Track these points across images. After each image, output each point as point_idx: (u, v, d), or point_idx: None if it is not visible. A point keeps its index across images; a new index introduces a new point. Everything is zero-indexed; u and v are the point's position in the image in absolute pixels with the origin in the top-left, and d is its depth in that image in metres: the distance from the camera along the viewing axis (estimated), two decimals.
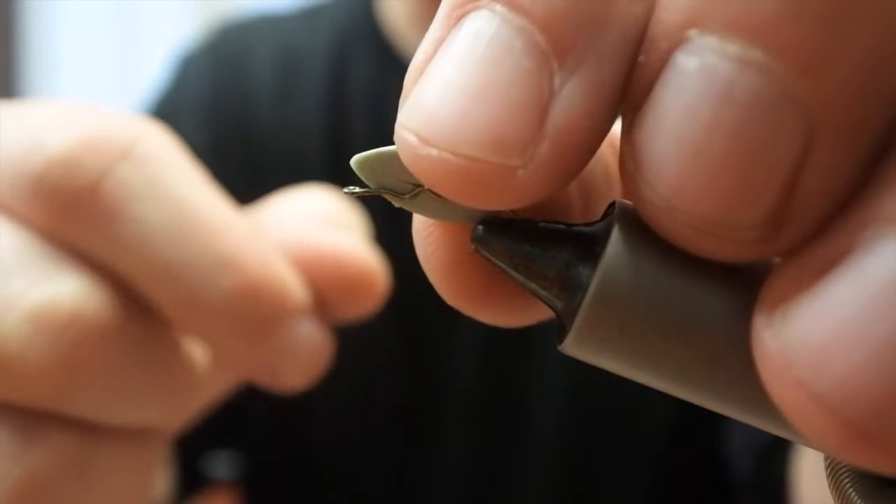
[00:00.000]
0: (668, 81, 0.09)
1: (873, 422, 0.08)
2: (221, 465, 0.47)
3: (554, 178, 0.10)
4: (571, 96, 0.10)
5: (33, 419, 0.19)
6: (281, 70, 0.49)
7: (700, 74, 0.09)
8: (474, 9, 0.10)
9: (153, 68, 0.64)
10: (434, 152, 0.10)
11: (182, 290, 0.19)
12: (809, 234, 0.09)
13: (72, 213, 0.18)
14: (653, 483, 0.45)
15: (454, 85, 0.10)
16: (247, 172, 0.47)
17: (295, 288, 0.21)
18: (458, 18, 0.10)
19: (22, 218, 0.19)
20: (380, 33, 0.49)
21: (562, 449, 0.45)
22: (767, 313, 0.09)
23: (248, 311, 0.19)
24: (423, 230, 0.13)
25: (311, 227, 0.23)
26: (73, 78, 1.41)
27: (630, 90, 0.10)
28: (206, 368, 0.22)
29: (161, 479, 0.29)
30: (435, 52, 0.11)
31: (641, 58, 0.10)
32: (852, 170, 0.09)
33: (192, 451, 0.43)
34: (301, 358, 0.21)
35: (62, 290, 0.18)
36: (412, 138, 0.10)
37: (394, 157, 0.11)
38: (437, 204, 0.12)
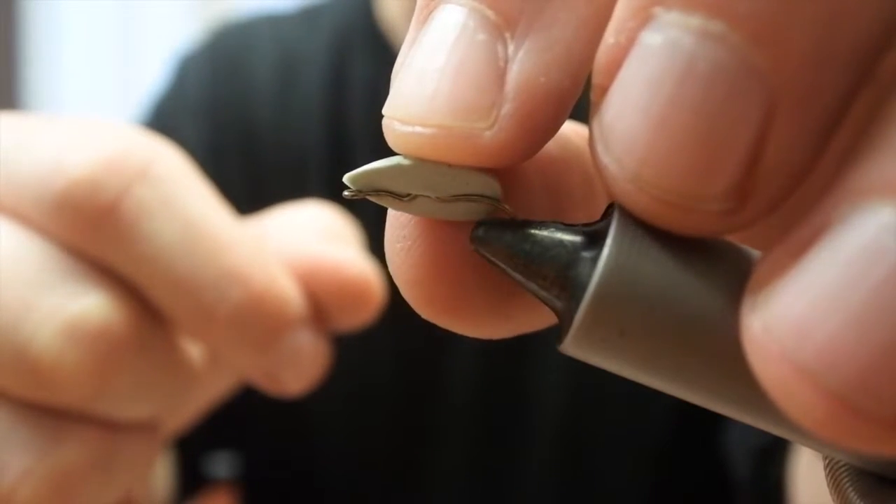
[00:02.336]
0: (634, 58, 0.10)
1: (858, 390, 0.08)
2: (221, 465, 0.47)
3: (522, 137, 0.11)
4: (525, 58, 0.11)
5: (61, 418, 0.20)
6: (280, 70, 0.49)
7: (664, 48, 0.09)
8: (436, 6, 0.12)
9: (153, 69, 0.64)
10: (409, 128, 0.11)
11: (193, 302, 0.20)
12: (773, 206, 0.10)
13: (92, 230, 0.20)
14: (653, 482, 0.45)
15: (425, 70, 0.11)
16: (247, 172, 0.47)
17: (296, 299, 0.22)
18: (425, 18, 0.12)
19: (45, 231, 0.20)
20: (378, 33, 0.49)
21: (562, 448, 0.45)
22: (752, 299, 0.09)
23: (254, 321, 0.21)
24: (395, 242, 0.13)
25: (310, 240, 0.24)
26: (75, 79, 1.41)
27: (598, 72, 0.10)
28: (204, 363, 0.23)
29: (159, 468, 0.29)
30: (408, 50, 0.12)
31: (612, 39, 0.10)
32: (812, 139, 0.09)
33: (192, 451, 0.43)
34: (300, 365, 0.23)
35: (91, 305, 0.20)
36: (394, 123, 0.11)
37: (386, 169, 0.12)
38: (435, 206, 0.12)
